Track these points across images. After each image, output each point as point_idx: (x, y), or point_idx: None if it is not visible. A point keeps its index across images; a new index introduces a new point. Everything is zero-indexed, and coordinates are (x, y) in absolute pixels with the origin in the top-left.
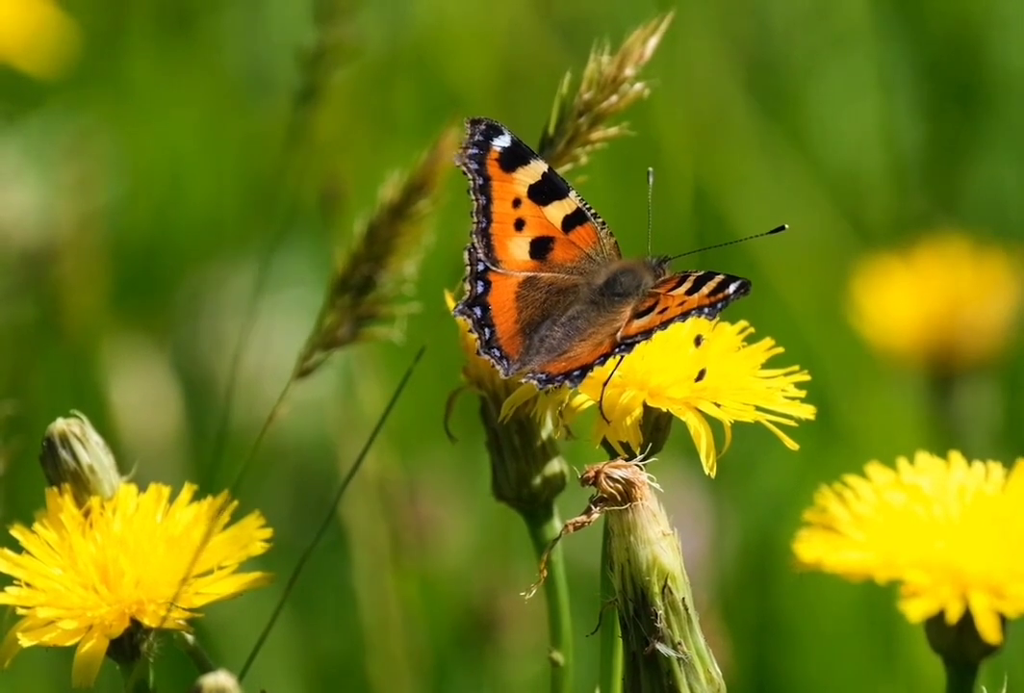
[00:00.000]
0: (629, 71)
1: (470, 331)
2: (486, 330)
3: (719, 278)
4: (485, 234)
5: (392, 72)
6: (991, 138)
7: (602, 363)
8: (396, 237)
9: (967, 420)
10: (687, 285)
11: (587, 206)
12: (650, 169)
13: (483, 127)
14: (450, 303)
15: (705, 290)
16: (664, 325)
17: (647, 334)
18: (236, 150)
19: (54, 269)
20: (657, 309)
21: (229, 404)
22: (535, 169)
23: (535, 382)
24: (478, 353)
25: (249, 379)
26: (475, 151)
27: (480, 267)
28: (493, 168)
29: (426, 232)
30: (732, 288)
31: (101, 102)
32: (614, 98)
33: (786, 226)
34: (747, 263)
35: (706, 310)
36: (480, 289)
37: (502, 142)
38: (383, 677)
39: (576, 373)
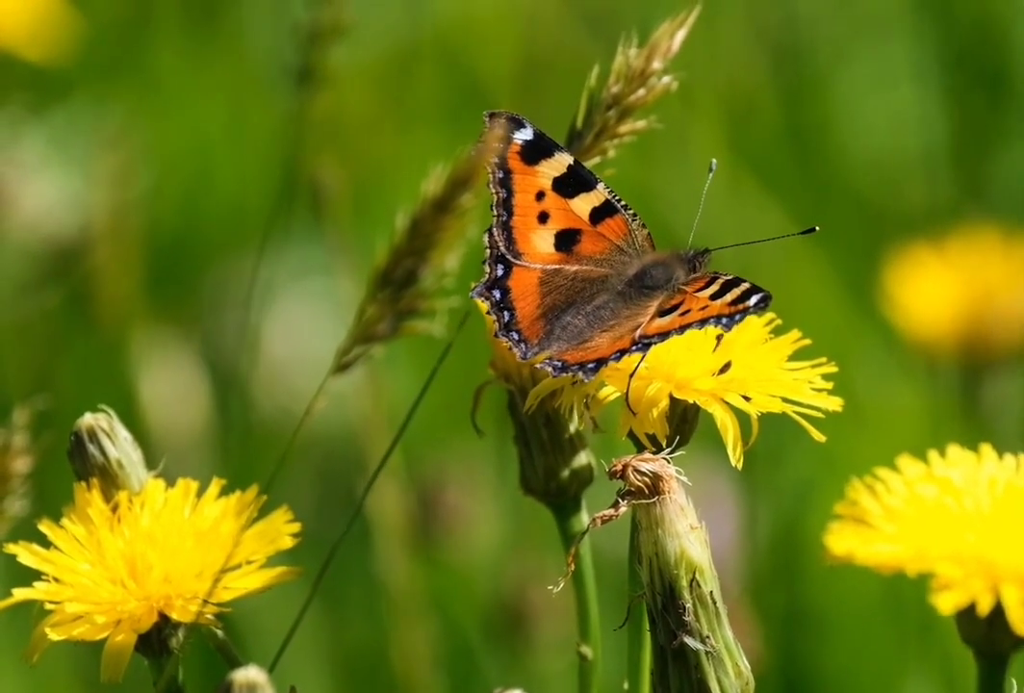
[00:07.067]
0: (657, 64)
1: (488, 313)
2: (505, 313)
3: (744, 286)
4: (506, 227)
5: (416, 60)
6: (1020, 126)
7: (618, 359)
8: (439, 231)
9: (998, 410)
10: (714, 288)
11: (617, 198)
12: (713, 160)
13: (503, 120)
14: (480, 305)
15: (729, 297)
16: (681, 330)
17: (664, 336)
18: (263, 139)
19: (84, 261)
20: (680, 310)
21: (253, 396)
22: (560, 161)
23: (549, 368)
24: (495, 335)
25: (275, 369)
26: (495, 144)
27: (499, 251)
28: (514, 161)
29: (469, 226)
30: (753, 300)
31: (127, 93)
32: (642, 91)
33: (816, 228)
34: (776, 253)
35: (724, 320)
36: (500, 272)
37: (524, 135)
38: (410, 669)
39: (591, 365)
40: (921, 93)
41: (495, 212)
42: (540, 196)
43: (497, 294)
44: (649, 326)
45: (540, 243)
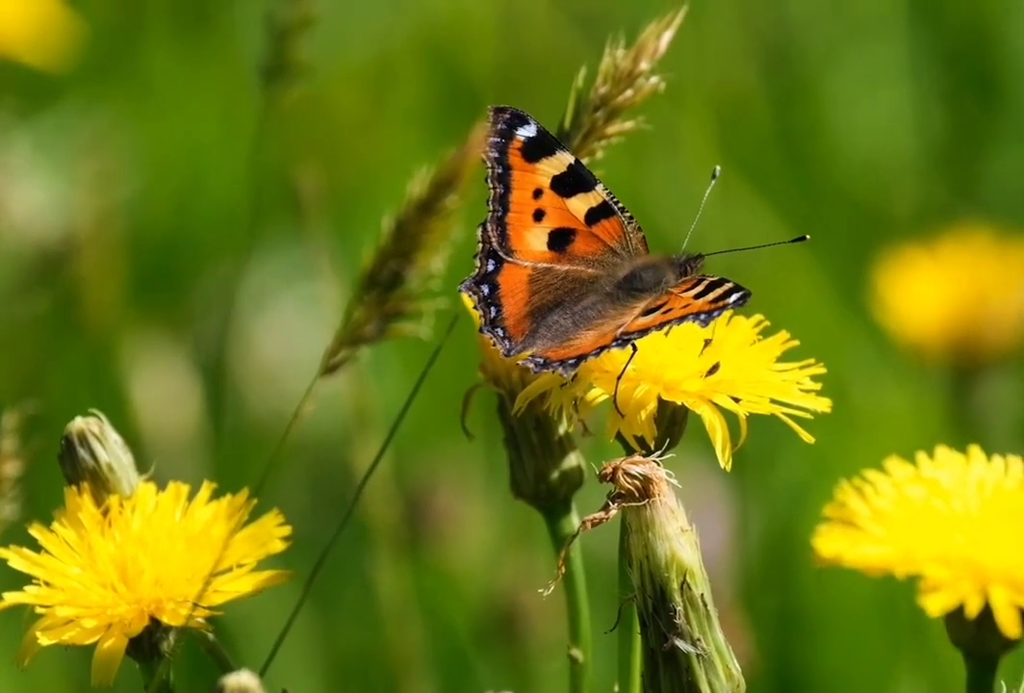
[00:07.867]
0: (644, 65)
1: (474, 308)
2: (492, 309)
3: (727, 285)
4: (500, 223)
5: (403, 61)
6: (1012, 128)
7: (597, 355)
8: (424, 233)
9: (990, 412)
10: (699, 288)
11: (614, 200)
12: (717, 167)
13: (507, 116)
14: (467, 301)
15: (711, 296)
16: (660, 326)
17: (643, 333)
18: (254, 143)
19: (72, 265)
20: (663, 309)
21: (244, 399)
22: (561, 160)
23: (531, 365)
24: (480, 331)
25: (266, 372)
26: (497, 139)
27: (492, 246)
28: (515, 157)
29: (454, 227)
30: (732, 298)
31: (119, 96)
32: (629, 92)
33: (807, 236)
34: (767, 256)
35: (702, 316)
36: (490, 267)
37: (527, 132)
38: (402, 672)
39: (571, 361)
40: (913, 95)
41: (491, 207)
42: (537, 194)
43: (485, 289)
44: (632, 324)
45: (533, 241)
